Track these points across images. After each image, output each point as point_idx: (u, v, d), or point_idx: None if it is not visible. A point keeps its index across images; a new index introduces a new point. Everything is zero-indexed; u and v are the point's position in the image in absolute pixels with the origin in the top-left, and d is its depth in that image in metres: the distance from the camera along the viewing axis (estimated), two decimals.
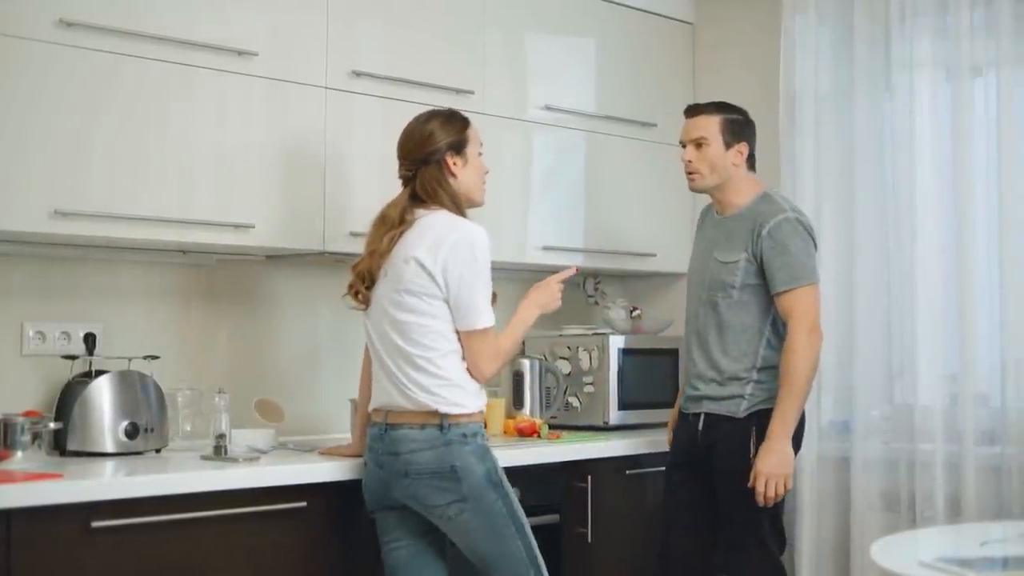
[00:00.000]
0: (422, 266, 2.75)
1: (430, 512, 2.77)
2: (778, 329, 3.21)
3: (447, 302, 2.77)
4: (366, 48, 3.37)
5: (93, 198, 2.87)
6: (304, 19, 3.24)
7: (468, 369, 2.81)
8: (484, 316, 2.79)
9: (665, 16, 4.16)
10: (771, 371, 3.19)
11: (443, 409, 2.76)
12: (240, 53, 3.10)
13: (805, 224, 3.21)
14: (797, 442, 3.23)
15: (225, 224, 3.08)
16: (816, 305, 3.17)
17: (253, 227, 3.12)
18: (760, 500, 3.09)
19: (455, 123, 2.89)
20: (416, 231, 2.80)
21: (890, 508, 3.55)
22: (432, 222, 2.80)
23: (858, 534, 3.56)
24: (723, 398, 3.22)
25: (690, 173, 3.29)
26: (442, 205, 2.83)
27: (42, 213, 2.79)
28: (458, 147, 2.87)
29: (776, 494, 3.08)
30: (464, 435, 2.77)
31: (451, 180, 2.85)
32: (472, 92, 3.55)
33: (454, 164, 2.86)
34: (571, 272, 3.09)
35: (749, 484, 3.10)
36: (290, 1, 3.23)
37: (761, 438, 3.13)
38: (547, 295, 2.98)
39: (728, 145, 3.25)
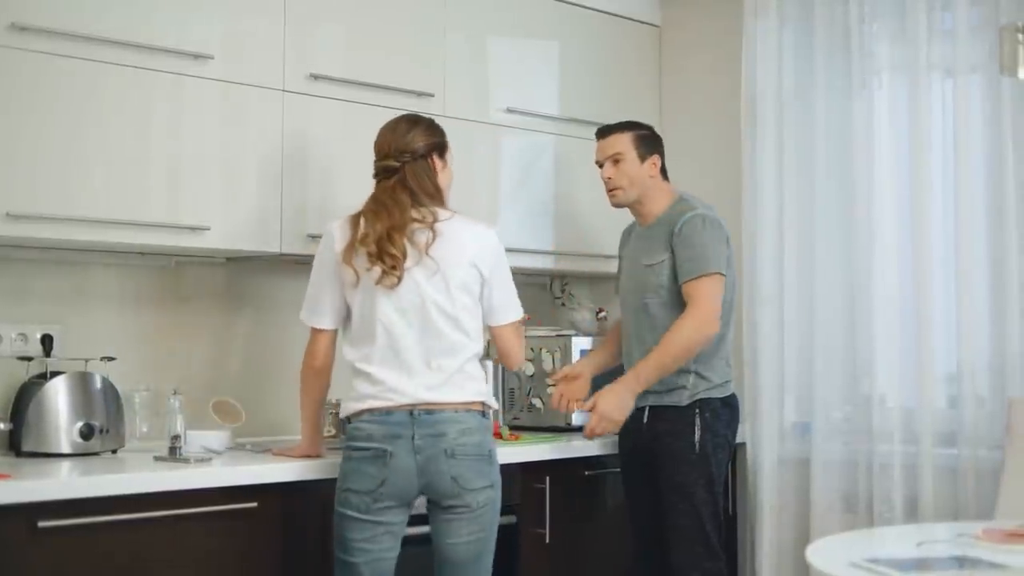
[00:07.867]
0: (478, 270, 2.87)
1: (461, 496, 2.80)
2: None
3: (481, 302, 2.91)
4: (324, 51, 3.38)
5: (47, 201, 2.89)
6: (261, 22, 3.25)
7: (502, 360, 3.04)
8: (518, 307, 2.99)
9: (630, 19, 4.16)
10: (709, 361, 3.30)
11: (487, 399, 2.90)
12: (196, 56, 3.11)
13: (712, 219, 3.30)
14: (732, 434, 3.37)
15: (181, 227, 3.10)
16: (716, 296, 3.25)
17: (209, 229, 3.14)
18: (586, 432, 3.29)
19: (437, 129, 2.99)
20: (452, 233, 2.84)
21: (850, 509, 3.58)
22: (465, 227, 2.88)
23: (818, 535, 3.54)
24: (666, 391, 3.30)
25: (611, 190, 3.42)
26: (441, 202, 2.90)
27: None
28: (441, 151, 2.96)
29: (601, 432, 3.26)
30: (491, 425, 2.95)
31: (436, 179, 2.93)
32: (432, 95, 3.56)
33: (438, 165, 2.94)
34: None
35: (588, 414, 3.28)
36: (247, 4, 3.24)
37: (704, 424, 3.25)
38: None
39: (643, 158, 3.38)
